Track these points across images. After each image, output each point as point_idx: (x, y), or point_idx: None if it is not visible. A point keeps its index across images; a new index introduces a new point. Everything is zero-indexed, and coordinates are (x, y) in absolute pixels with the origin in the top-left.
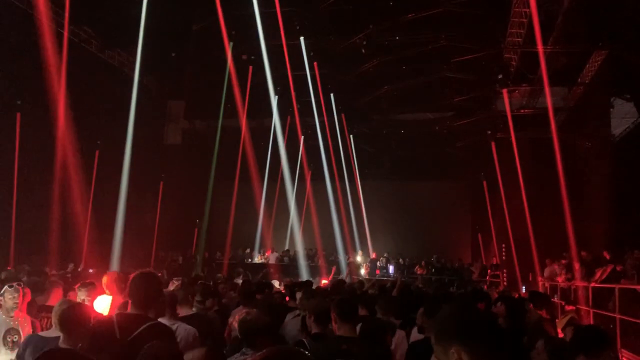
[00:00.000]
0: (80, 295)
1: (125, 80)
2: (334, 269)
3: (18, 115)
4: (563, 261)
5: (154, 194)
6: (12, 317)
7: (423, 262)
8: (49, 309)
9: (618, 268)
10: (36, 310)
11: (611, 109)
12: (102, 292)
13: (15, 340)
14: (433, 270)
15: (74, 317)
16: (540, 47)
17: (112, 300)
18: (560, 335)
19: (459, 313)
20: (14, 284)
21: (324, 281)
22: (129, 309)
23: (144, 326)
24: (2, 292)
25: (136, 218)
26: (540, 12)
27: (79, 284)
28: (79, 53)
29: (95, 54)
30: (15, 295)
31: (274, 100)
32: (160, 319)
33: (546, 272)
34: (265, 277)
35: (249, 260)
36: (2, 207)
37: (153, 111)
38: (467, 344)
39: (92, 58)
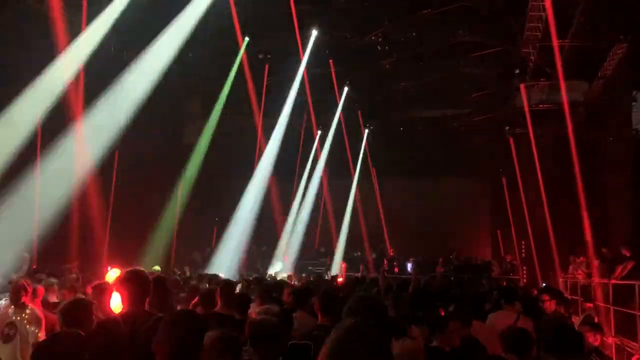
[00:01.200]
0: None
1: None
2: (345, 266)
3: None
4: (582, 258)
5: (173, 193)
6: (14, 311)
7: (440, 260)
8: (56, 306)
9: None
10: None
11: (633, 104)
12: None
13: (10, 334)
14: (452, 268)
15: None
16: (555, 41)
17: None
18: None
19: (359, 300)
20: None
21: (340, 279)
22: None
23: (152, 320)
24: None
25: (156, 217)
26: (558, 6)
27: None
28: (97, 52)
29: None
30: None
31: (289, 98)
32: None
33: (570, 269)
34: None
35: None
36: (26, 207)
37: (172, 111)
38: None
39: (110, 57)
